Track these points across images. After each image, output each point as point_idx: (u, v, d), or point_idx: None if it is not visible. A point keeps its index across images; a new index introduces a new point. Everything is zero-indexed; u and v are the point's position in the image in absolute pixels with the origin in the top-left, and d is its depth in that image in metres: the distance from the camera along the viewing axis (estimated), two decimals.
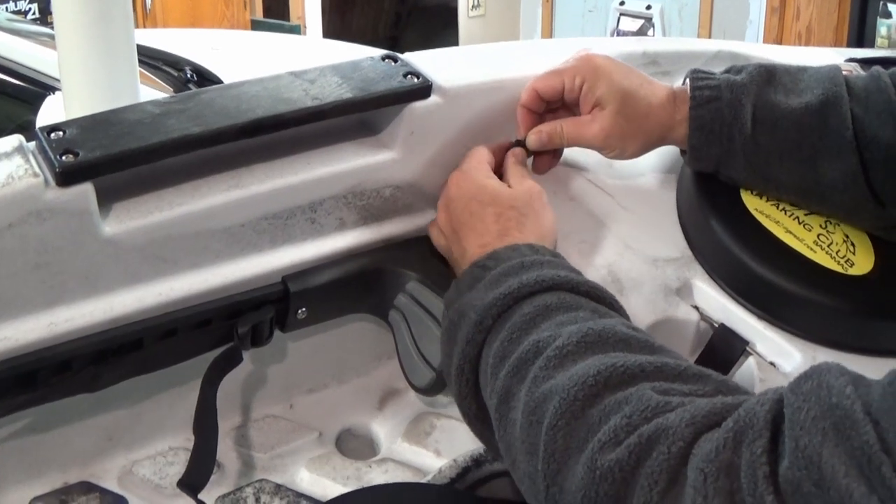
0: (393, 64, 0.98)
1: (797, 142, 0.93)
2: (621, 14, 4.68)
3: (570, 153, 1.06)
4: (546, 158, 1.01)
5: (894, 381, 0.52)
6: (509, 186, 0.91)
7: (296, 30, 4.83)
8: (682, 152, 1.01)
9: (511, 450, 0.70)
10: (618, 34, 4.64)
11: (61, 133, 0.83)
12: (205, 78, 2.49)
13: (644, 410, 0.61)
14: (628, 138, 0.97)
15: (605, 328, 0.71)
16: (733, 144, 0.95)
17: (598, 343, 0.69)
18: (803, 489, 0.51)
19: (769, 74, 0.96)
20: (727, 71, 0.98)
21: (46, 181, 0.79)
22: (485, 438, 0.80)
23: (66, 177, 0.80)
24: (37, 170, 0.80)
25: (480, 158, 0.94)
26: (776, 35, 4.20)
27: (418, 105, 0.95)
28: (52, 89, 2.19)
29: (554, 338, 0.71)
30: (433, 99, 0.96)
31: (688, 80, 0.98)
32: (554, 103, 1.00)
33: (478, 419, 0.78)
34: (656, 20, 4.58)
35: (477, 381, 0.77)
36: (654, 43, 1.20)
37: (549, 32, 5.04)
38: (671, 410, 0.61)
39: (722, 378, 0.66)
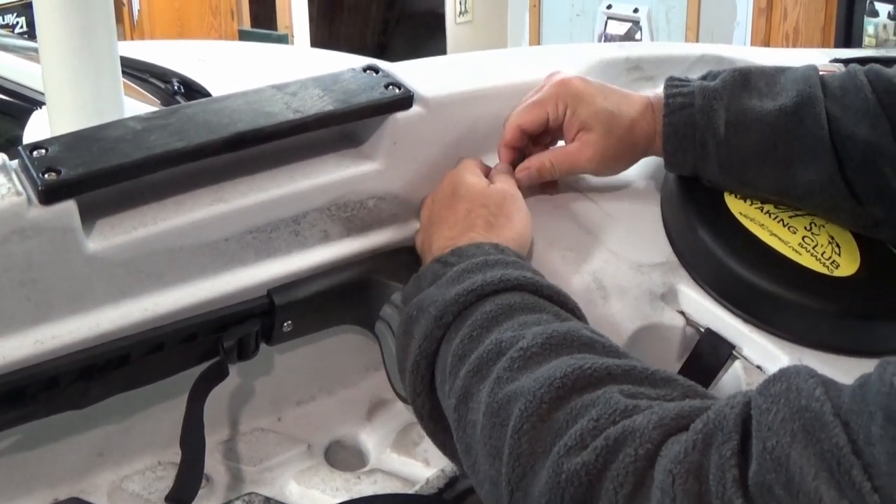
0: (374, 75, 0.98)
1: (772, 144, 0.93)
2: (608, 18, 4.69)
3: None
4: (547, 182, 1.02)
5: (864, 383, 0.51)
6: None
7: (283, 39, 4.84)
8: None
9: (471, 452, 0.68)
10: (605, 38, 4.65)
11: (44, 151, 0.83)
12: (192, 90, 2.50)
13: (612, 414, 0.60)
14: (619, 157, 0.98)
15: (570, 331, 0.70)
16: (706, 150, 0.95)
17: (564, 345, 0.68)
18: (773, 492, 0.50)
19: (744, 79, 0.96)
20: (704, 77, 0.99)
21: (29, 199, 0.79)
22: (437, 439, 0.78)
23: (48, 195, 0.80)
24: (20, 188, 0.80)
25: (476, 162, 0.97)
26: (764, 36, 4.21)
27: (400, 116, 0.95)
28: (40, 104, 2.19)
29: (517, 338, 0.69)
30: (415, 109, 0.96)
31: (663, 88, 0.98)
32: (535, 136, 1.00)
33: (431, 418, 0.77)
34: (644, 23, 4.59)
35: (433, 379, 0.76)
36: (637, 48, 1.20)
37: (536, 37, 5.05)
38: (639, 413, 0.60)
39: (690, 383, 0.65)
